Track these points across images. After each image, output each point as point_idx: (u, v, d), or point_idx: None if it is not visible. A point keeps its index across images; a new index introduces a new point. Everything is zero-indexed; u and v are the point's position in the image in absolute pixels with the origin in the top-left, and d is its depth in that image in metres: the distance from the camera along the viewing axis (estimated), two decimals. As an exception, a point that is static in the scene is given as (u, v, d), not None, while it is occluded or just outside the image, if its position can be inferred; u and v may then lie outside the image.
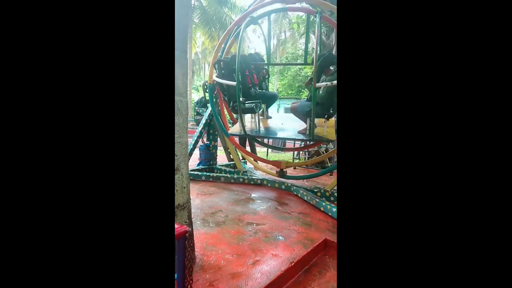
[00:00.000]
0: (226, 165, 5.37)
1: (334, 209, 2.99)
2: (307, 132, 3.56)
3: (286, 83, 11.77)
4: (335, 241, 2.26)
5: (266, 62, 4.75)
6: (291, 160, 6.86)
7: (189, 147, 4.50)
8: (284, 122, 4.52)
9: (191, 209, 1.92)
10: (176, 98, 1.66)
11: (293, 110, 3.76)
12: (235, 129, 4.47)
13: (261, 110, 4.27)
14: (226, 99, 4.11)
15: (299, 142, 5.90)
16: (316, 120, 3.58)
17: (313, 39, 4.99)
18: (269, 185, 4.32)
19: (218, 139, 5.27)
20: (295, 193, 3.92)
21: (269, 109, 4.81)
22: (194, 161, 5.44)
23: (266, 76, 4.40)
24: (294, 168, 6.02)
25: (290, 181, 4.26)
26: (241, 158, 5.66)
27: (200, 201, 3.41)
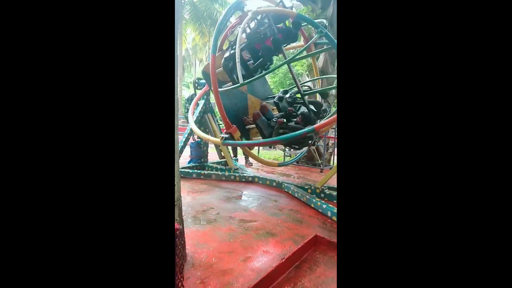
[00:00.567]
0: (217, 163, 5.36)
1: (325, 206, 3.03)
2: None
3: (277, 80, 11.81)
4: (325, 237, 2.29)
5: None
6: (282, 158, 6.91)
7: (179, 144, 4.46)
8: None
9: (182, 206, 1.91)
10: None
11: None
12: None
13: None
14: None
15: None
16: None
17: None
18: (260, 182, 4.35)
19: (209, 136, 5.25)
20: (286, 190, 3.94)
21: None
22: (185, 158, 5.40)
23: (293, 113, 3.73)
24: (286, 166, 6.07)
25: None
26: (232, 155, 5.65)
27: (191, 199, 3.39)
